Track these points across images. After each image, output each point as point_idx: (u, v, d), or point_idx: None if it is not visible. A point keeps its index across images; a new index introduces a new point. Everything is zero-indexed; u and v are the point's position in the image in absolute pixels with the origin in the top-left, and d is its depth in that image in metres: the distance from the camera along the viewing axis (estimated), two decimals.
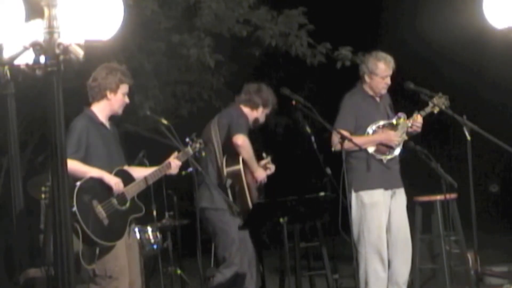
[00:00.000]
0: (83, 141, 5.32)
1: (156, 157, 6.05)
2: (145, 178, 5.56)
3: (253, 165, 6.57)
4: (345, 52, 8.67)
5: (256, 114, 6.76)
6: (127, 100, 5.57)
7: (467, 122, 6.15)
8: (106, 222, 5.25)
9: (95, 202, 5.24)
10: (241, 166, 6.49)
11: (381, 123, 6.53)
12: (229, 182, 6.25)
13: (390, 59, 6.52)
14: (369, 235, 6.43)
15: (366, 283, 6.45)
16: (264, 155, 6.87)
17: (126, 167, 5.58)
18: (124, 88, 5.53)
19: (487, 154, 12.85)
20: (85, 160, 5.30)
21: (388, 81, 6.54)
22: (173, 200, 7.38)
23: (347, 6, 11.63)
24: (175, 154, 5.77)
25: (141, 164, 6.49)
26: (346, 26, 11.09)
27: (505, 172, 13.65)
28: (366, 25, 11.77)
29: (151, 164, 6.20)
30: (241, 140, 6.44)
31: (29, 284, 5.33)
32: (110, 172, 5.37)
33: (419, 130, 6.57)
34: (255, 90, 6.77)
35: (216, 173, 6.53)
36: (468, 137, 6.11)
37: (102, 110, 5.53)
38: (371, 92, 6.60)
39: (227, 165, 6.48)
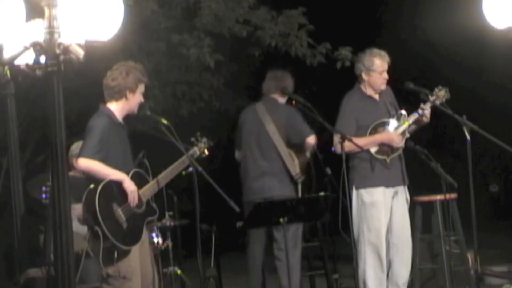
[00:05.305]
0: (105, 141, 5.25)
1: (157, 157, 6.04)
2: (157, 180, 5.54)
3: None
4: (345, 52, 8.65)
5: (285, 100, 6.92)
6: (142, 99, 5.54)
7: (467, 122, 6.15)
8: (125, 225, 5.23)
9: (115, 206, 5.21)
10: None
11: (381, 121, 6.52)
12: (302, 178, 6.44)
13: (384, 54, 6.55)
14: (368, 234, 6.43)
15: (365, 283, 6.45)
16: None
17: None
18: (142, 88, 5.49)
19: (487, 154, 12.89)
20: (104, 160, 5.25)
21: (385, 75, 6.55)
22: (173, 200, 7.38)
23: (347, 6, 11.64)
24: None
25: (141, 164, 6.48)
26: (346, 26, 11.09)
27: (505, 172, 13.67)
28: (366, 25, 11.77)
29: (151, 164, 6.18)
30: (316, 139, 6.66)
31: (29, 284, 5.33)
32: (125, 172, 5.33)
33: (427, 121, 6.53)
34: (281, 76, 6.89)
35: (282, 166, 6.64)
36: (468, 137, 6.10)
37: (120, 109, 5.45)
38: (369, 91, 6.59)
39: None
